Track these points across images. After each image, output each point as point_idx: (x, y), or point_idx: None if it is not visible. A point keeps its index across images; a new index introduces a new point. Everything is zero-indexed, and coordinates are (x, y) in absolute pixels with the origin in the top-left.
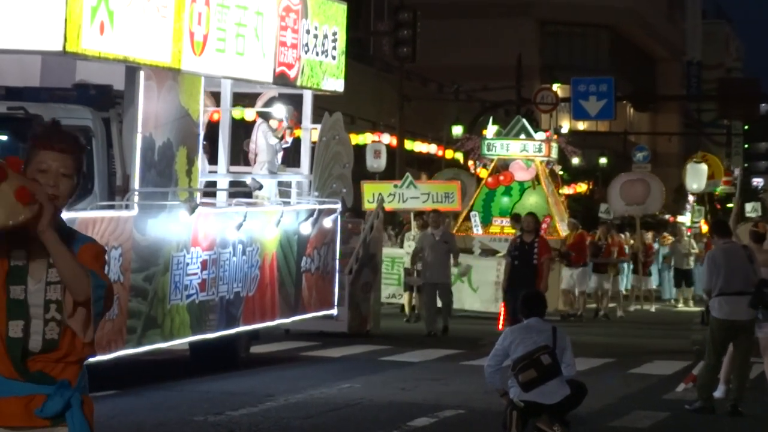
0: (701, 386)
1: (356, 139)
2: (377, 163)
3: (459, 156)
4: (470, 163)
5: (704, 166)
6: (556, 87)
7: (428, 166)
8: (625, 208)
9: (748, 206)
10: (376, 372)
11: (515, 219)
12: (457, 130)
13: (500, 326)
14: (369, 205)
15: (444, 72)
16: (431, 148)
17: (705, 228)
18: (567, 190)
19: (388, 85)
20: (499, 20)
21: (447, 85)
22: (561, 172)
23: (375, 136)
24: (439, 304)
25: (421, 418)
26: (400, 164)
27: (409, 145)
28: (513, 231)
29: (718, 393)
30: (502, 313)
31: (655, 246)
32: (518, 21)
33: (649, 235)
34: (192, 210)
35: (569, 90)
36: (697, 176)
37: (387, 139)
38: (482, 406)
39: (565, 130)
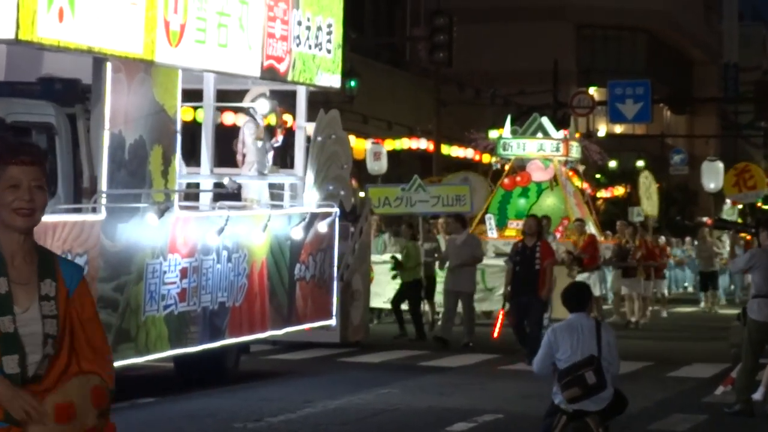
0: (739, 389)
1: (393, 144)
2: (378, 165)
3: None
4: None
5: (720, 164)
6: (592, 90)
7: (465, 171)
8: None
9: None
10: (414, 377)
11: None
12: (494, 134)
13: (495, 334)
14: (376, 210)
15: (480, 77)
16: (468, 153)
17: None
18: (604, 193)
19: (425, 90)
20: (536, 24)
21: (484, 90)
22: (598, 176)
23: (412, 141)
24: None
25: (460, 423)
26: (437, 169)
27: (445, 150)
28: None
29: (758, 395)
30: (499, 320)
31: (675, 250)
32: (554, 25)
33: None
34: (161, 213)
35: (606, 93)
36: (713, 175)
37: (424, 144)
38: (521, 411)
39: (602, 133)
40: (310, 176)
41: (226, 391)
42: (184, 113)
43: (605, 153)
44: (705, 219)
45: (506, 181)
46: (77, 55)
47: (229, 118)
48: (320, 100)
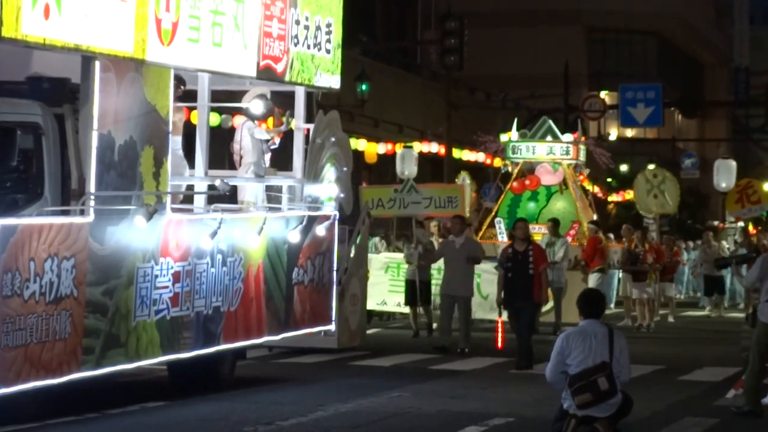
0: (748, 391)
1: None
2: (409, 169)
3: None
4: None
5: (733, 163)
6: (603, 94)
7: (476, 174)
8: None
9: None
10: (426, 381)
11: (555, 223)
12: (505, 138)
13: (499, 345)
14: (370, 212)
15: (491, 80)
16: (479, 157)
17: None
18: (615, 197)
19: (436, 93)
20: (547, 28)
21: (494, 94)
22: (609, 179)
23: (423, 144)
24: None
25: (471, 426)
26: (448, 172)
27: (456, 153)
28: (540, 236)
29: (767, 400)
30: (500, 330)
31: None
32: (565, 29)
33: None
34: (149, 216)
35: (617, 97)
36: (726, 173)
37: (435, 147)
38: (532, 414)
39: (613, 137)
40: (309, 178)
41: (237, 394)
42: (193, 117)
43: (615, 157)
44: (716, 223)
45: (515, 184)
46: (65, 54)
47: (239, 121)
48: (331, 103)
